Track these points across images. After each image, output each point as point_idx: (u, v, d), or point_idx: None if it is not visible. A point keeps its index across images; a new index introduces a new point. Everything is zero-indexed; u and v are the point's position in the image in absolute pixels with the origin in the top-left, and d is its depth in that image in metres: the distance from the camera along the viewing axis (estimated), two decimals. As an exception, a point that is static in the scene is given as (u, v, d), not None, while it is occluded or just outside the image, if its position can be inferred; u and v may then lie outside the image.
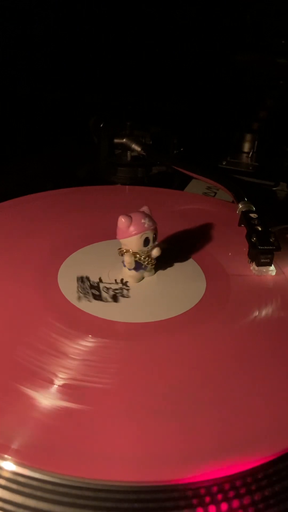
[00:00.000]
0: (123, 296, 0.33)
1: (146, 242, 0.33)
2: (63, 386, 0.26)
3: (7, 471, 0.22)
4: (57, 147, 0.68)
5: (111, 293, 0.33)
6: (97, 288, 0.34)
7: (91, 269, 0.36)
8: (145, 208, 0.34)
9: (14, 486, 0.22)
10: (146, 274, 0.35)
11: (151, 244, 0.34)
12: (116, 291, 0.34)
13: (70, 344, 0.29)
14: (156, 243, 0.34)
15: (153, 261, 0.35)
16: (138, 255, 0.34)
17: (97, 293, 0.33)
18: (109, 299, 0.33)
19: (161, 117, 0.70)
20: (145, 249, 0.34)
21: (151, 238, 0.34)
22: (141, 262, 0.34)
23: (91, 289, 0.33)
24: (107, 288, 0.34)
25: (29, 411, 0.24)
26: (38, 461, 0.22)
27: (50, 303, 0.32)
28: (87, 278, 0.34)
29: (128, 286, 0.34)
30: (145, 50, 0.70)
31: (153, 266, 0.35)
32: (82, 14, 0.67)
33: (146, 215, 0.33)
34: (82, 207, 0.47)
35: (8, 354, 0.28)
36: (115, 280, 0.35)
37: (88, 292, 0.33)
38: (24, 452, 0.22)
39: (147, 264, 0.34)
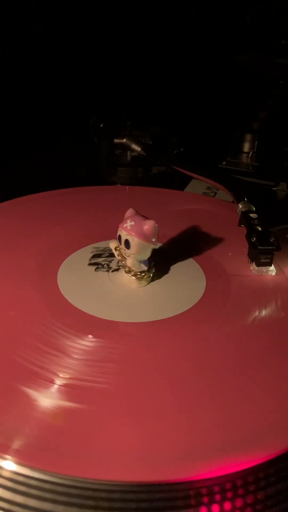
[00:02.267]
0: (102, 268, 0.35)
1: (119, 238, 0.34)
2: (63, 386, 0.26)
3: (7, 471, 0.22)
4: (57, 147, 0.68)
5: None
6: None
7: (91, 269, 0.36)
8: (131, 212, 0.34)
9: (14, 486, 0.22)
10: (136, 284, 0.35)
11: (122, 245, 0.33)
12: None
13: (70, 344, 0.29)
14: (132, 252, 0.33)
15: (127, 267, 0.34)
16: (118, 249, 0.34)
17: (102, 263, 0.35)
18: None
19: (161, 117, 0.70)
20: (121, 246, 0.34)
21: (122, 240, 0.33)
22: (119, 257, 0.35)
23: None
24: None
25: (29, 411, 0.24)
26: (38, 461, 0.22)
27: (50, 303, 0.32)
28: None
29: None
30: (145, 50, 0.70)
31: (132, 275, 0.34)
32: (82, 14, 0.67)
33: (137, 220, 0.33)
34: (82, 207, 0.47)
35: (8, 354, 0.28)
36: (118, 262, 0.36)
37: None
38: (24, 452, 0.22)
39: (123, 266, 0.34)
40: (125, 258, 0.34)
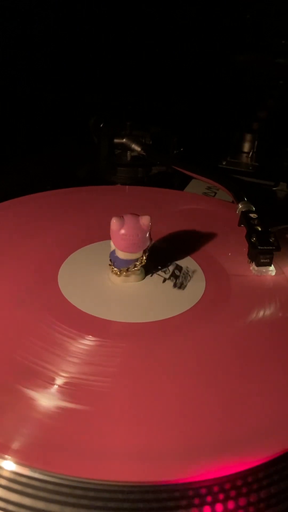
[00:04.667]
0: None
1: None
2: (63, 386, 0.26)
3: (7, 471, 0.22)
4: (57, 147, 0.68)
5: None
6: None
7: (91, 269, 0.36)
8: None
9: (14, 486, 0.22)
10: (134, 278, 0.35)
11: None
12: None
13: (70, 344, 0.29)
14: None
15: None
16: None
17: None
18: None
19: (161, 117, 0.70)
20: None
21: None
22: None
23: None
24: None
25: (29, 411, 0.24)
26: (38, 461, 0.22)
27: (50, 303, 0.32)
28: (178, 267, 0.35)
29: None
30: (145, 50, 0.70)
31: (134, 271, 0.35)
32: (82, 14, 0.67)
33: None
34: (82, 207, 0.47)
35: (8, 354, 0.28)
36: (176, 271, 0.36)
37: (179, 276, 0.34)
38: (24, 452, 0.22)
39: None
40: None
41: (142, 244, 0.33)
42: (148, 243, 0.34)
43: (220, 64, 0.69)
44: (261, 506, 0.22)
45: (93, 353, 0.28)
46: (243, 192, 0.46)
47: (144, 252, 0.34)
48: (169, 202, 0.49)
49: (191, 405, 0.25)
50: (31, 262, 0.37)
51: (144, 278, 0.35)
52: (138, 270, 0.35)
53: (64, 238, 0.40)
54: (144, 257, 0.34)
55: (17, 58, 0.63)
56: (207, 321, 0.32)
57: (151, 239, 0.34)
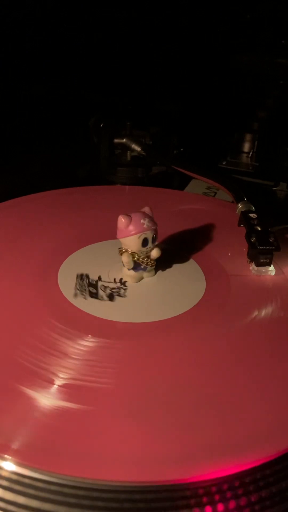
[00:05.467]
0: (119, 295, 0.33)
1: (144, 242, 0.33)
2: (63, 386, 0.26)
3: (7, 471, 0.22)
4: (57, 147, 0.68)
5: (108, 292, 0.33)
6: (95, 286, 0.34)
7: (91, 269, 0.36)
8: (146, 209, 0.34)
9: (14, 486, 0.22)
10: (145, 274, 0.35)
11: (150, 245, 0.34)
12: (113, 290, 0.34)
13: (70, 344, 0.29)
14: (156, 243, 0.34)
15: (152, 261, 0.35)
16: (136, 255, 0.34)
17: (94, 291, 0.33)
18: (105, 298, 0.33)
19: (161, 117, 0.70)
20: (144, 249, 0.34)
21: (150, 239, 0.33)
22: (140, 262, 0.34)
23: (89, 286, 0.33)
24: (105, 287, 0.34)
25: (29, 411, 0.24)
26: (38, 461, 0.22)
27: (50, 303, 0.32)
28: (87, 276, 0.34)
29: (126, 286, 0.34)
30: (145, 50, 0.70)
31: (153, 267, 0.35)
32: (83, 15, 0.67)
33: (146, 215, 0.33)
34: (82, 207, 0.47)
35: (8, 354, 0.28)
36: (114, 279, 0.35)
37: (85, 290, 0.33)
38: (24, 452, 0.22)
39: (146, 264, 0.34)
40: (147, 257, 0.34)
41: (117, 233, 0.33)
42: (120, 236, 0.34)
43: (220, 64, 0.69)
44: (262, 505, 0.22)
45: (93, 353, 0.28)
46: (243, 192, 0.46)
47: (152, 247, 0.34)
48: (169, 202, 0.49)
49: (191, 405, 0.25)
50: (31, 262, 0.37)
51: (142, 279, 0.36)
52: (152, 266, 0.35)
53: (64, 238, 0.40)
54: (122, 251, 0.34)
55: (17, 57, 0.63)
56: (207, 321, 0.32)
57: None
